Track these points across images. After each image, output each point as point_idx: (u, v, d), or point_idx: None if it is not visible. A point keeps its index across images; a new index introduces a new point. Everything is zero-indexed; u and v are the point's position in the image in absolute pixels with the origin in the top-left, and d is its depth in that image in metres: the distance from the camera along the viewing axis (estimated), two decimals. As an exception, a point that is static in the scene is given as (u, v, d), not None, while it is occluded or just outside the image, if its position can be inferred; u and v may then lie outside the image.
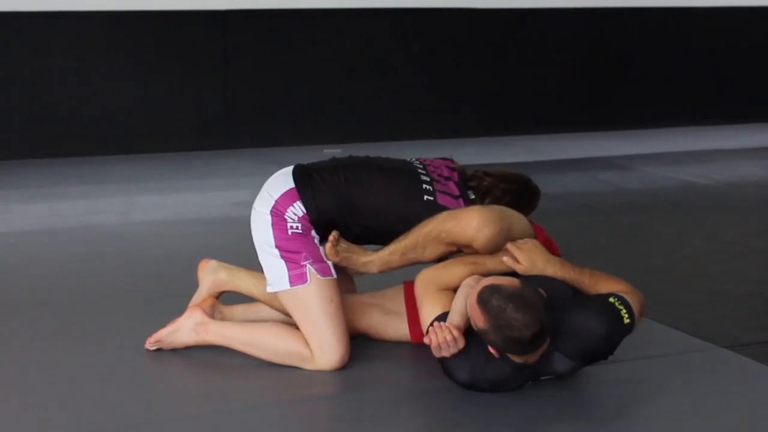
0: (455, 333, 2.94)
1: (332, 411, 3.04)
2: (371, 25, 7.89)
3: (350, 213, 3.26)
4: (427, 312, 3.12)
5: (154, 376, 3.23)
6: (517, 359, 2.96)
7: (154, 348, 3.37)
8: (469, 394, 3.01)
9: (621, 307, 3.03)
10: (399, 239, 3.24)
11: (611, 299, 3.05)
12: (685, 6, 8.82)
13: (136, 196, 5.99)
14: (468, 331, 3.00)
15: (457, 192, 3.33)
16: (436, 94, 8.11)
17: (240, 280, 3.46)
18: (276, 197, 3.25)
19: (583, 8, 8.49)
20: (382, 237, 3.34)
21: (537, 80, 8.43)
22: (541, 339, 2.89)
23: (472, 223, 3.11)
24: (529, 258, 3.13)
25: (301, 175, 3.30)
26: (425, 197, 3.27)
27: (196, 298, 3.52)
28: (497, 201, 3.35)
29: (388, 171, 3.33)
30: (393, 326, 3.39)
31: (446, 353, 2.96)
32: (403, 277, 3.43)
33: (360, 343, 3.36)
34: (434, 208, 3.24)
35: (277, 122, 7.69)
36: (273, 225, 3.23)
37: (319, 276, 3.19)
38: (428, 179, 3.32)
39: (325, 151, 7.42)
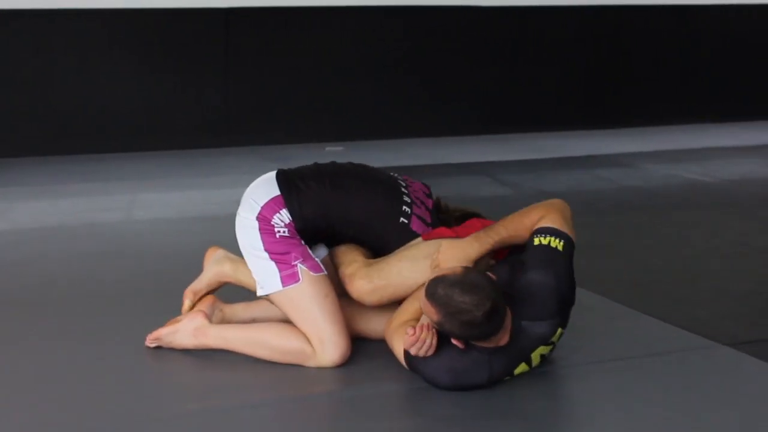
0: (435, 341, 2.97)
1: (333, 408, 3.04)
2: (373, 23, 7.89)
3: (333, 221, 3.29)
4: (400, 344, 3.11)
5: (154, 374, 3.23)
6: (486, 345, 2.96)
7: (153, 345, 3.39)
8: (471, 391, 3.02)
9: (548, 239, 3.02)
10: None
11: (535, 241, 3.03)
12: (687, 4, 8.82)
13: (138, 193, 6.00)
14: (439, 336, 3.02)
15: (429, 220, 3.36)
16: (437, 92, 8.11)
17: (242, 274, 3.46)
18: (261, 204, 3.26)
19: (583, 6, 8.49)
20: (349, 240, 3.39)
21: (537, 78, 8.42)
22: (497, 316, 2.89)
23: (348, 288, 3.25)
24: (452, 263, 3.10)
25: (285, 182, 3.30)
26: (401, 219, 3.31)
27: (196, 284, 3.52)
28: None
29: (373, 182, 3.37)
30: None
31: (414, 351, 2.98)
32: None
33: (360, 341, 3.36)
34: (405, 233, 3.29)
35: (279, 120, 7.69)
36: (260, 230, 3.23)
37: (311, 273, 3.20)
38: (409, 200, 3.35)
39: (327, 149, 7.43)
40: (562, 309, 3.05)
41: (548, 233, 3.04)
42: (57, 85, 7.11)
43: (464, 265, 3.06)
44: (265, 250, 3.22)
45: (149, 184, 6.29)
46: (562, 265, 3.03)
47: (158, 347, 3.38)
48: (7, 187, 6.12)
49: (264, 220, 3.23)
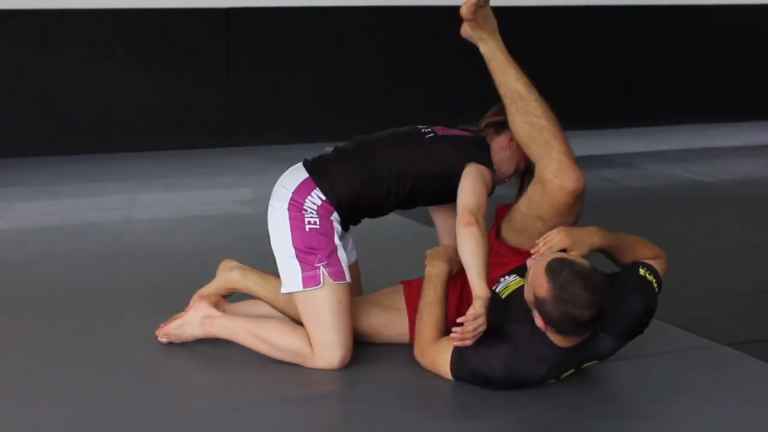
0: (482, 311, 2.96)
1: (335, 409, 3.04)
2: (374, 22, 7.89)
3: (368, 184, 3.30)
4: (444, 356, 3.09)
5: (155, 374, 3.23)
6: (558, 341, 2.94)
7: (166, 341, 3.41)
8: (473, 391, 3.01)
9: (652, 278, 3.09)
10: None
11: (641, 271, 3.09)
12: (688, 3, 8.82)
13: (138, 193, 6.00)
14: (499, 328, 3.00)
15: (463, 132, 3.51)
16: (439, 92, 8.11)
17: (250, 281, 3.50)
18: (292, 189, 3.28)
19: (584, 6, 8.49)
20: (403, 203, 3.40)
21: (538, 78, 8.39)
22: (596, 324, 2.87)
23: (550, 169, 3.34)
24: (574, 241, 3.08)
25: (312, 165, 3.36)
26: (427, 135, 3.41)
27: (206, 288, 3.56)
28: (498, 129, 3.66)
29: (392, 133, 3.46)
30: (392, 323, 3.38)
31: (471, 341, 2.96)
32: (401, 278, 3.46)
33: (361, 342, 3.36)
34: (437, 141, 3.39)
35: (279, 120, 7.70)
36: (291, 219, 3.25)
37: (331, 280, 3.21)
38: (429, 129, 3.46)
39: (327, 149, 7.42)
40: (632, 336, 3.08)
41: (653, 273, 3.11)
42: (57, 84, 7.11)
43: (586, 246, 3.07)
44: (293, 245, 3.23)
45: (149, 184, 6.29)
46: (654, 303, 3.08)
47: (170, 343, 3.40)
48: (7, 186, 6.12)
49: (295, 207, 3.25)
